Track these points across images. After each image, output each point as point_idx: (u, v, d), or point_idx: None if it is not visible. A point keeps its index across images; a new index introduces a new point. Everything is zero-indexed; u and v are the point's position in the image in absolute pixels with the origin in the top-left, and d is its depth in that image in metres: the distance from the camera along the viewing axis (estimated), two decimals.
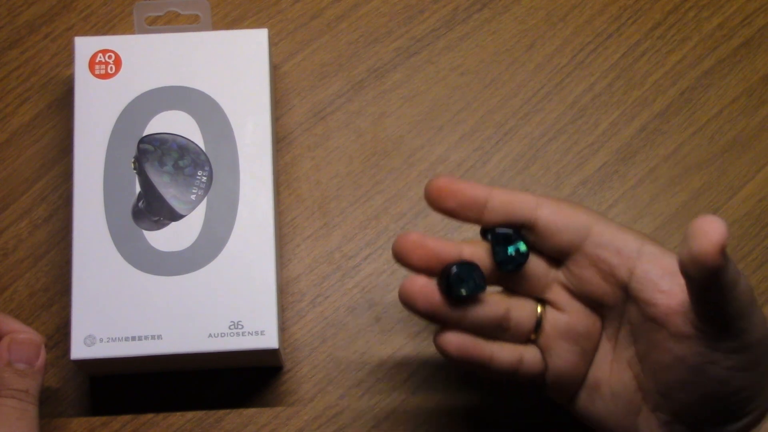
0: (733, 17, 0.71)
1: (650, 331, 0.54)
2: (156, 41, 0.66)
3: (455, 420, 0.64)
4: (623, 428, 0.57)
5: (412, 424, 0.64)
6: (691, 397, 0.53)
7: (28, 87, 0.69)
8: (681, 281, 0.53)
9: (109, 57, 0.66)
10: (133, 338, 0.61)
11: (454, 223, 0.67)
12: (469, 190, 0.55)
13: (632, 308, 0.55)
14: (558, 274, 0.57)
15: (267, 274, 0.62)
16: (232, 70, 0.66)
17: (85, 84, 0.65)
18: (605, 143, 0.69)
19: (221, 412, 0.64)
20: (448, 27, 0.71)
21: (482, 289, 0.55)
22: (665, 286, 0.53)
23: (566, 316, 0.57)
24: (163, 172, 0.64)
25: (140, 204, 0.63)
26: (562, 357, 0.57)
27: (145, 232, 0.63)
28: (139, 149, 0.64)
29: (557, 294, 0.57)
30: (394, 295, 0.66)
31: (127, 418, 0.64)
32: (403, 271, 0.66)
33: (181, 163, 0.64)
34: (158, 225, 0.63)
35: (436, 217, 0.67)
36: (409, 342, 0.65)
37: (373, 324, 0.66)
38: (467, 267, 0.54)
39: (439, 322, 0.56)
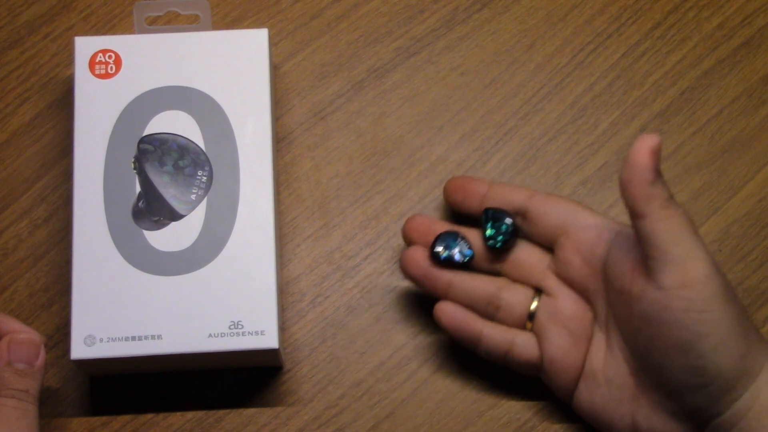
0: (733, 17, 0.71)
1: (624, 305, 0.57)
2: (156, 41, 0.66)
3: (455, 420, 0.64)
4: (620, 417, 0.59)
5: (412, 424, 0.64)
6: (665, 358, 0.55)
7: (28, 87, 0.69)
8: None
9: (109, 57, 0.66)
10: (133, 338, 0.61)
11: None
12: (474, 183, 0.63)
13: (612, 290, 0.58)
14: (550, 262, 0.62)
15: (267, 274, 0.62)
16: (232, 70, 0.65)
17: (85, 84, 0.65)
18: (605, 143, 0.69)
19: (221, 412, 0.64)
20: (448, 27, 0.71)
21: (465, 256, 0.62)
22: (631, 255, 0.57)
23: (555, 300, 0.61)
24: (163, 172, 0.64)
25: (140, 204, 0.63)
26: (553, 342, 0.60)
27: (145, 232, 0.63)
28: (139, 149, 0.64)
29: (549, 280, 0.61)
30: (394, 295, 0.66)
31: (127, 418, 0.64)
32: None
33: (181, 163, 0.64)
34: (158, 225, 0.63)
35: (437, 217, 0.67)
36: (409, 342, 0.65)
37: (373, 324, 0.66)
38: (452, 234, 0.62)
39: (430, 290, 0.62)
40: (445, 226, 0.63)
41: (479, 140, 0.69)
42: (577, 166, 0.69)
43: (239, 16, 0.71)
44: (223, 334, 0.61)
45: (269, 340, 0.61)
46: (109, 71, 0.65)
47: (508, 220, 0.62)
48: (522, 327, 0.61)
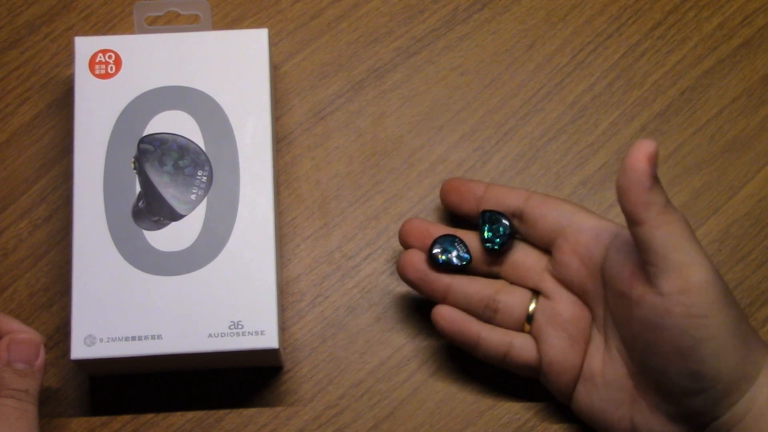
0: (733, 17, 0.71)
1: (623, 308, 0.57)
2: (156, 41, 0.66)
3: (455, 420, 0.64)
4: (619, 419, 0.59)
5: (412, 424, 0.64)
6: (664, 362, 0.55)
7: (28, 87, 0.69)
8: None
9: (109, 57, 0.66)
10: (133, 338, 0.61)
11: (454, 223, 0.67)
12: (470, 185, 0.63)
13: (610, 292, 0.58)
14: (547, 264, 0.61)
15: (267, 274, 0.62)
16: (232, 70, 0.65)
17: (85, 84, 0.65)
18: (605, 143, 0.69)
19: (221, 412, 0.64)
20: (448, 27, 0.71)
21: (462, 260, 0.61)
22: (630, 259, 0.57)
23: (553, 303, 0.61)
24: (163, 172, 0.64)
25: (140, 204, 0.63)
26: (551, 344, 0.60)
27: (145, 232, 0.63)
28: (139, 149, 0.64)
29: (547, 283, 0.61)
30: (394, 295, 0.66)
31: (127, 418, 0.64)
32: None
33: (181, 163, 0.64)
34: (158, 225, 0.63)
35: (436, 218, 0.67)
36: (409, 342, 0.65)
37: (373, 324, 0.66)
38: (450, 237, 0.62)
39: (428, 293, 0.62)
40: (442, 229, 0.62)
41: (479, 140, 0.69)
42: (577, 166, 0.69)
43: (239, 16, 0.71)
44: (223, 334, 0.61)
45: (269, 340, 0.61)
46: (109, 71, 0.65)
47: (506, 223, 0.61)
48: (520, 329, 0.61)
